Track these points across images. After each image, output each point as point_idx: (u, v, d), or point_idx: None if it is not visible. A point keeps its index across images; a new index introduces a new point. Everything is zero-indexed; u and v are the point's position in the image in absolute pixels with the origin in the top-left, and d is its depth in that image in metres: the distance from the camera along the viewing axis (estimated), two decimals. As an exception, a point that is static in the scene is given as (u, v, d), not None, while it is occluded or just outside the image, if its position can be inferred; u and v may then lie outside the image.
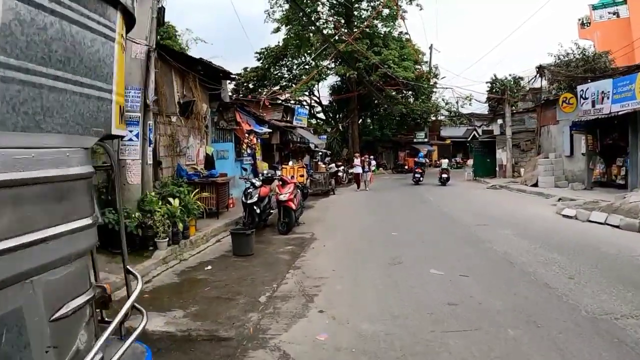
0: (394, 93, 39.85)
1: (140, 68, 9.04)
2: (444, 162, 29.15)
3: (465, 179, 31.24)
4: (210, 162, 15.21)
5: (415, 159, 32.85)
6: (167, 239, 8.48)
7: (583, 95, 18.05)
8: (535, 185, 21.04)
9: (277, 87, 35.11)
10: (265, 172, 12.02)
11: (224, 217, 12.56)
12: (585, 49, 24.59)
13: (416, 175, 27.06)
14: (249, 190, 11.15)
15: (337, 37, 36.68)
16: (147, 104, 9.23)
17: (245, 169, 12.55)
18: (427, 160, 39.81)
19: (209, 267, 7.77)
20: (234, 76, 15.34)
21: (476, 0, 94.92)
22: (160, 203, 8.97)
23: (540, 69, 23.44)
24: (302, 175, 13.49)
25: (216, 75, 15.24)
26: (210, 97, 15.57)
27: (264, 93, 28.24)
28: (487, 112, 58.14)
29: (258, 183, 11.33)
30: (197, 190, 10.84)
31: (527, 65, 69.83)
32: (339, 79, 44.09)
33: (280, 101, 26.92)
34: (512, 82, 58.00)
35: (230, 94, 18.93)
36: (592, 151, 18.82)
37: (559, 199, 16.93)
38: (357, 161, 23.29)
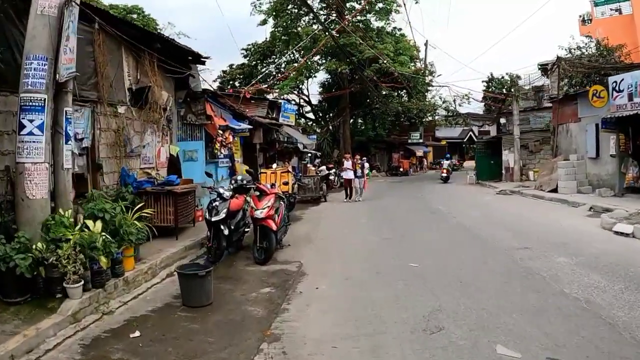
0: (386, 92, 37.23)
1: (48, 28, 6.17)
2: (446, 163, 31.75)
3: (468, 182, 28.65)
4: (175, 165, 12.38)
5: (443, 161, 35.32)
6: (82, 281, 5.61)
7: (616, 88, 15.41)
8: (555, 190, 18.45)
9: (264, 85, 32.26)
10: (239, 178, 9.12)
11: (186, 236, 9.73)
12: (600, 42, 22.24)
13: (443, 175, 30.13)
14: (214, 204, 8.33)
15: (327, 31, 33.95)
16: (61, 82, 6.36)
17: (210, 174, 9.52)
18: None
19: (137, 334, 4.91)
20: (204, 58, 12.47)
21: (475, 0, 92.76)
22: (76, 227, 6.11)
23: (559, 61, 20.81)
24: (286, 183, 10.53)
25: (184, 58, 12.41)
26: (177, 85, 12.74)
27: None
28: (483, 113, 56.03)
29: (227, 193, 8.50)
30: (140, 205, 7.97)
31: (525, 65, 67.81)
32: (329, 76, 41.53)
33: (264, 95, 24.17)
34: (509, 81, 55.81)
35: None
36: (624, 152, 16.23)
37: (590, 208, 14.39)
38: (347, 164, 18.86)
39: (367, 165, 20.65)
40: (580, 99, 18.83)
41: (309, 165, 29.05)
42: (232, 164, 15.98)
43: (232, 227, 8.50)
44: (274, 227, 7.88)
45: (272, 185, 8.91)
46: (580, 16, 33.94)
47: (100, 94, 9.08)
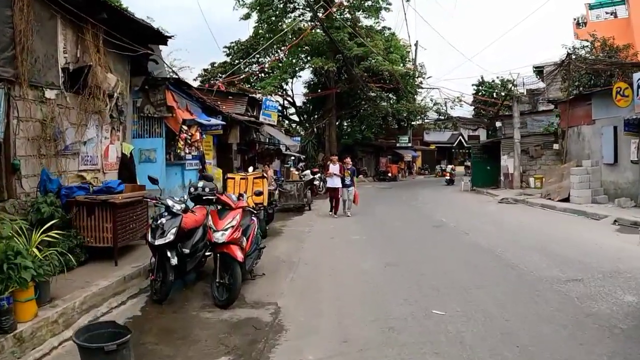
0: (375, 93, 35.25)
1: None
2: (449, 167, 34.95)
3: (462, 189, 26.67)
4: (127, 168, 10.10)
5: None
6: None
7: (644, 85, 13.53)
8: (566, 200, 16.51)
9: (247, 86, 29.92)
10: (199, 184, 6.80)
11: (133, 258, 7.46)
12: (606, 40, 20.52)
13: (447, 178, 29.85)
14: (160, 221, 6.07)
15: (316, 16, 31.84)
16: None
17: (154, 180, 6.97)
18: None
19: None
20: (168, 37, 10.15)
21: (466, 4, 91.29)
22: None
23: (569, 57, 18.92)
24: (259, 194, 8.02)
25: (142, 36, 10.11)
26: (133, 70, 10.47)
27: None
28: (472, 117, 54.40)
29: (179, 206, 6.24)
30: (52, 223, 5.70)
31: (518, 67, 66.45)
32: (314, 76, 39.47)
33: (242, 91, 21.87)
34: (500, 85, 54.27)
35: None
36: (648, 158, 14.38)
37: (615, 221, 12.46)
38: (333, 168, 14.93)
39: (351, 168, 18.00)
40: (595, 99, 16.94)
41: (292, 169, 26.84)
42: (203, 167, 13.71)
43: (188, 251, 6.23)
44: (240, 257, 5.62)
45: (241, 196, 6.60)
46: (574, 19, 32.62)
47: (19, 71, 6.79)
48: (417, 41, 44.57)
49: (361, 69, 31.17)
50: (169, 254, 5.98)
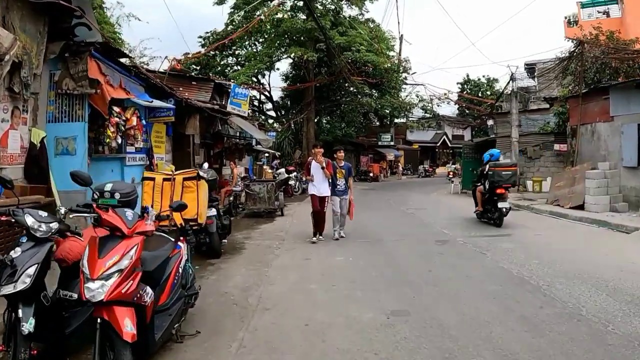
0: (357, 88, 32.93)
1: None
2: (452, 167, 34.37)
3: (452, 192, 24.36)
4: (37, 160, 7.46)
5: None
6: None
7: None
8: (580, 207, 14.27)
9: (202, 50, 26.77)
10: (108, 189, 4.14)
11: None
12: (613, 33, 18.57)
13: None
14: (10, 255, 3.46)
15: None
16: None
17: (82, 180, 4.19)
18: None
19: None
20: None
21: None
22: None
23: (582, 45, 16.73)
24: (178, 208, 4.80)
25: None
26: (51, 33, 7.76)
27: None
28: (457, 116, 52.46)
29: (46, 227, 3.63)
30: None
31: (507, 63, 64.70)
32: (292, 69, 36.98)
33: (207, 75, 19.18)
34: (485, 84, 52.39)
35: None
36: (682, 161, 12.20)
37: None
38: (316, 167, 10.00)
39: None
40: (614, 92, 14.73)
41: (265, 166, 24.25)
42: (150, 163, 11.03)
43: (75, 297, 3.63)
44: (129, 333, 2.97)
45: (145, 213, 3.84)
46: (565, 17, 31.69)
47: None
48: (401, 35, 42.40)
49: (344, 59, 28.77)
50: (20, 311, 3.38)
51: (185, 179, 4.10)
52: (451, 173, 32.19)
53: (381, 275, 6.65)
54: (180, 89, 15.56)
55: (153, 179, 4.10)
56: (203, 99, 16.11)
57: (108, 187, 4.90)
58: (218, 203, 8.02)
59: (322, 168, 9.91)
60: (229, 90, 18.03)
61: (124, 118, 8.24)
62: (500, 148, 22.95)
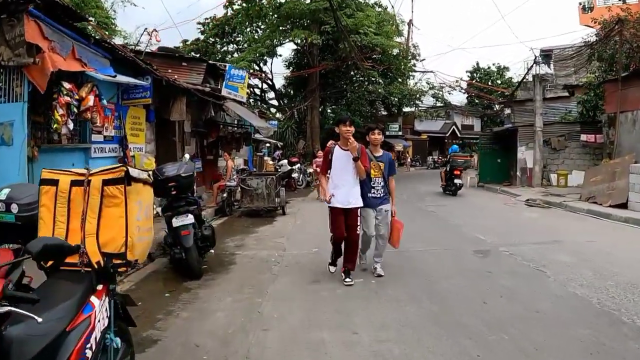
0: (363, 74, 31.03)
1: None
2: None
3: (469, 185, 22.27)
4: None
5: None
6: None
7: None
8: (622, 206, 12.40)
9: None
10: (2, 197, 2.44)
11: None
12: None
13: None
14: None
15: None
16: None
17: None
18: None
19: None
20: None
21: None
22: None
23: (620, 23, 14.81)
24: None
25: None
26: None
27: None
28: (466, 105, 50.45)
29: None
30: None
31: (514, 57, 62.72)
32: (295, 56, 34.99)
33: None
34: (495, 72, 50.39)
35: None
36: None
37: None
38: (339, 157, 5.89)
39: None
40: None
41: (266, 158, 22.38)
42: (124, 154, 9.18)
43: None
44: None
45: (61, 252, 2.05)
46: (580, 3, 30.49)
47: None
48: (410, 20, 40.28)
49: (350, 44, 26.82)
50: None
51: (105, 183, 2.37)
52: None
53: (421, 313, 4.72)
54: (169, 70, 13.67)
55: (55, 183, 2.40)
56: (195, 82, 14.21)
57: (3, 194, 3.17)
58: (197, 207, 6.19)
59: (355, 159, 5.70)
60: (222, 70, 16.07)
61: (77, 97, 6.37)
62: (523, 138, 21.17)
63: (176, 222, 5.77)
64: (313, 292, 5.41)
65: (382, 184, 6.15)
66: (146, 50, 13.91)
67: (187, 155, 7.84)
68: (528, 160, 20.49)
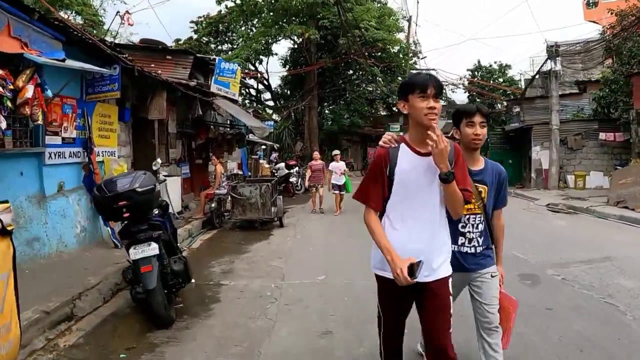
0: (364, 71, 29.72)
1: None
2: None
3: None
4: None
5: None
6: None
7: None
8: (661, 213, 11.04)
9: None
10: None
11: None
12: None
13: None
14: None
15: None
16: None
17: None
18: None
19: None
20: None
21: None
22: None
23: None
24: None
25: None
26: None
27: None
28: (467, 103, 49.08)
29: None
30: None
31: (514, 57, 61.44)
32: (292, 53, 33.57)
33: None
34: (497, 70, 49.14)
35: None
36: None
37: None
38: (408, 189, 2.55)
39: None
40: None
41: (261, 161, 20.88)
42: (90, 160, 7.66)
43: None
44: None
45: None
46: None
47: None
48: (410, 16, 38.83)
49: (350, 39, 25.44)
50: None
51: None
52: None
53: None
54: (152, 65, 12.19)
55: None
56: (181, 77, 12.72)
57: None
58: (165, 231, 4.69)
59: (446, 179, 2.45)
60: (212, 64, 14.56)
61: (11, 87, 4.87)
62: (537, 137, 19.77)
63: (134, 253, 4.26)
64: (324, 354, 3.89)
65: (481, 225, 3.07)
66: (126, 42, 12.44)
67: (158, 160, 6.39)
68: (543, 161, 19.13)
